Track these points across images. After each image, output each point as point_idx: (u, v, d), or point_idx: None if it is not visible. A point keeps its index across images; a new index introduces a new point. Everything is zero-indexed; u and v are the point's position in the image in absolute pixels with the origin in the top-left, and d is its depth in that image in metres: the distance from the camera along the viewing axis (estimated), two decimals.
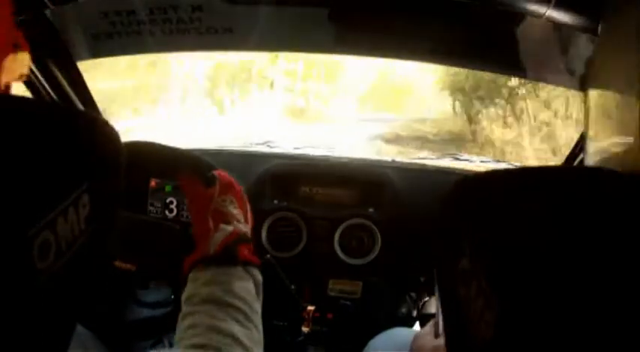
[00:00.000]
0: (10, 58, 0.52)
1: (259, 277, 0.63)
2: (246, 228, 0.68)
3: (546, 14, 0.71)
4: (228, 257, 0.61)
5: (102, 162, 0.36)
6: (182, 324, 0.56)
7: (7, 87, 0.53)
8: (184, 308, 0.58)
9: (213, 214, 0.67)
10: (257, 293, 0.62)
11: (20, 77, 0.56)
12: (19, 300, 0.27)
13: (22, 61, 0.55)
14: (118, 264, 0.90)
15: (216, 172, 0.73)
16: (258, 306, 0.60)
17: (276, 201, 1.19)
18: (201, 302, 0.57)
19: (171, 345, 1.06)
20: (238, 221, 0.67)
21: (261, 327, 0.58)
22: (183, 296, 0.60)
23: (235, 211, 0.68)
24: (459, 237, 0.39)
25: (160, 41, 1.02)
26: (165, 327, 1.06)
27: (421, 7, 0.92)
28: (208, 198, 0.69)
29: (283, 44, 1.25)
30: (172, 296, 1.12)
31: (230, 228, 0.65)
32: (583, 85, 0.91)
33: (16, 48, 0.53)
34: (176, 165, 0.91)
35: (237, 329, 0.54)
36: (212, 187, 0.70)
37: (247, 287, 0.60)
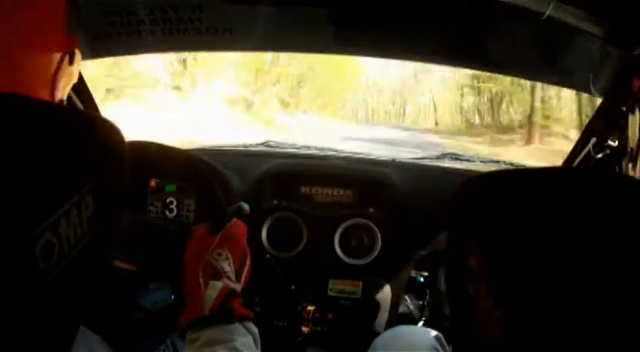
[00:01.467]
0: (67, 70, 0.51)
1: (255, 330, 0.64)
2: (234, 285, 0.67)
3: (547, 14, 0.71)
4: (225, 316, 0.62)
5: (106, 163, 0.36)
6: None
7: (62, 102, 0.52)
8: None
9: (204, 266, 0.67)
10: (256, 346, 0.63)
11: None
12: (22, 301, 0.27)
13: (73, 76, 0.54)
14: (117, 264, 0.90)
15: (234, 221, 0.73)
16: None
17: (276, 201, 1.19)
18: None
19: (173, 345, 1.06)
20: (228, 278, 0.67)
21: None
22: None
23: (228, 268, 0.68)
24: (467, 236, 0.39)
25: (160, 41, 1.02)
26: (166, 327, 1.05)
27: (421, 7, 0.92)
28: (205, 247, 0.69)
29: (283, 44, 1.25)
30: (172, 297, 1.12)
31: (220, 284, 0.65)
32: (584, 86, 0.91)
33: (71, 56, 0.52)
34: (185, 176, 0.92)
35: None
36: (214, 236, 0.70)
37: (248, 343, 0.61)
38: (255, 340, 0.63)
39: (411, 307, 1.24)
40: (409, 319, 1.25)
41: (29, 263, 0.27)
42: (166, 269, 0.96)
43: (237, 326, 0.62)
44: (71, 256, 0.30)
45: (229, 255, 0.69)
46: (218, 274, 0.66)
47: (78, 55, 0.54)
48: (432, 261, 1.22)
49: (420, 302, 1.29)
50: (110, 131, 0.37)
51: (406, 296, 1.26)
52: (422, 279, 1.28)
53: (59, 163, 0.30)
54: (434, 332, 0.91)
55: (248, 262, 0.73)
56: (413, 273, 1.26)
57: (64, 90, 0.54)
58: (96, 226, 0.33)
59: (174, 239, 0.95)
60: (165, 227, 0.99)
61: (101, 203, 0.33)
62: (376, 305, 1.18)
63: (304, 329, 1.15)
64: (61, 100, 0.53)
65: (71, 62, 0.54)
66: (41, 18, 0.49)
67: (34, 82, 0.50)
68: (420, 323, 1.25)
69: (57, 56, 0.52)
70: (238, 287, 0.68)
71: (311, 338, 1.16)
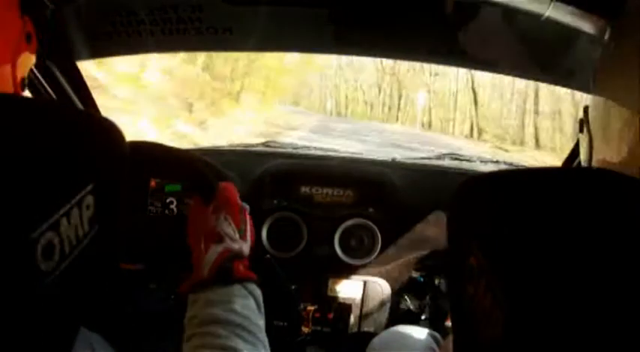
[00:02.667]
0: (24, 51, 0.53)
1: (258, 292, 0.63)
2: (239, 244, 0.67)
3: (546, 14, 0.71)
4: (223, 277, 0.61)
5: (107, 163, 0.36)
6: (187, 346, 0.57)
7: (23, 81, 0.54)
8: (188, 330, 0.58)
9: (205, 234, 0.67)
10: (258, 308, 0.62)
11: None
12: (23, 302, 0.27)
13: (31, 56, 0.56)
14: (123, 265, 0.90)
15: (221, 185, 0.72)
16: (261, 322, 0.60)
17: (276, 201, 1.19)
18: (204, 324, 0.57)
19: (175, 345, 1.06)
20: (231, 239, 0.67)
21: (267, 343, 0.58)
22: (186, 319, 0.60)
23: (228, 229, 0.68)
24: (467, 236, 0.39)
25: (160, 41, 1.02)
26: (168, 328, 1.06)
27: (421, 7, 0.92)
28: (203, 219, 0.69)
29: (283, 44, 1.25)
30: (172, 296, 1.12)
31: (220, 247, 0.65)
32: (584, 86, 0.91)
33: (28, 42, 0.53)
34: (181, 173, 0.92)
35: (242, 346, 0.54)
36: (208, 205, 0.70)
37: (248, 304, 0.60)
38: (257, 302, 0.62)
39: (412, 307, 1.24)
40: (409, 319, 1.25)
41: (30, 263, 0.27)
42: (170, 267, 0.96)
43: (237, 287, 0.61)
44: (72, 256, 0.30)
45: (227, 217, 0.69)
46: (220, 238, 0.66)
47: (34, 35, 0.55)
48: (432, 261, 1.23)
49: (420, 302, 1.29)
50: (111, 131, 0.37)
51: (406, 296, 1.26)
52: (422, 279, 1.28)
53: (60, 163, 0.30)
54: (430, 332, 0.92)
55: (248, 219, 0.73)
56: (413, 273, 1.26)
57: (24, 70, 0.55)
58: (97, 226, 0.33)
59: (176, 235, 0.95)
60: (165, 216, 0.99)
61: (102, 203, 0.33)
62: (376, 305, 1.18)
63: (304, 329, 1.15)
64: (22, 79, 0.54)
65: (29, 41, 0.55)
66: None
67: None
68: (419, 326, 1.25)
69: (13, 36, 0.52)
70: (244, 245, 0.68)
71: (311, 338, 1.16)
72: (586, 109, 0.53)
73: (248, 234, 0.71)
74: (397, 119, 20.83)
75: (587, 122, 0.50)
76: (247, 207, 0.87)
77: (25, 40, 0.54)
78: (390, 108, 21.28)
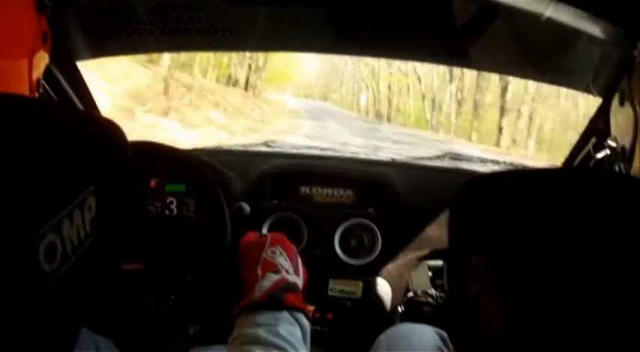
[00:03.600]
0: (41, 52, 0.53)
1: (306, 324, 0.64)
2: (294, 278, 0.69)
3: (546, 14, 0.71)
4: (273, 302, 0.63)
5: (109, 164, 0.36)
6: None
7: (38, 82, 0.54)
8: (229, 349, 0.59)
9: (263, 262, 0.69)
10: (304, 339, 0.62)
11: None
12: (25, 302, 0.27)
13: (46, 55, 0.56)
14: (124, 266, 0.90)
15: (272, 234, 0.76)
16: (303, 350, 0.61)
17: (276, 201, 1.19)
18: (246, 343, 0.57)
19: (176, 346, 1.06)
20: (287, 271, 0.69)
21: None
22: (230, 338, 0.61)
23: (285, 263, 0.70)
24: (468, 236, 0.39)
25: (160, 41, 1.02)
26: (167, 329, 1.05)
27: (421, 7, 0.92)
28: (259, 248, 0.72)
29: (283, 44, 1.25)
30: (172, 297, 1.12)
31: (277, 276, 0.67)
32: (585, 86, 0.91)
33: (44, 41, 0.53)
34: (182, 173, 0.93)
35: None
36: (264, 237, 0.74)
37: (293, 331, 0.61)
38: (303, 332, 0.63)
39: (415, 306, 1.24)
40: (412, 318, 1.25)
41: (32, 264, 0.27)
42: (171, 268, 0.96)
43: (285, 314, 0.62)
44: (74, 257, 0.30)
45: (283, 251, 0.72)
46: (277, 269, 0.68)
47: (49, 34, 0.55)
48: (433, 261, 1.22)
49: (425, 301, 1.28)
50: (112, 131, 0.37)
51: (409, 294, 1.26)
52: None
53: (61, 164, 0.30)
54: (438, 331, 0.91)
55: (299, 259, 0.76)
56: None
57: (39, 70, 0.55)
58: (99, 227, 0.33)
59: (176, 235, 0.95)
60: (166, 224, 0.99)
61: (104, 204, 0.33)
62: (376, 305, 1.18)
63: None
64: (38, 79, 0.54)
65: (45, 41, 0.55)
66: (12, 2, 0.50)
67: (10, 62, 0.51)
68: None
69: (31, 37, 0.52)
70: (298, 280, 0.70)
71: (311, 338, 1.16)
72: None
73: (301, 271, 0.74)
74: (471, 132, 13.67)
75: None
76: (247, 207, 0.87)
77: (41, 40, 0.54)
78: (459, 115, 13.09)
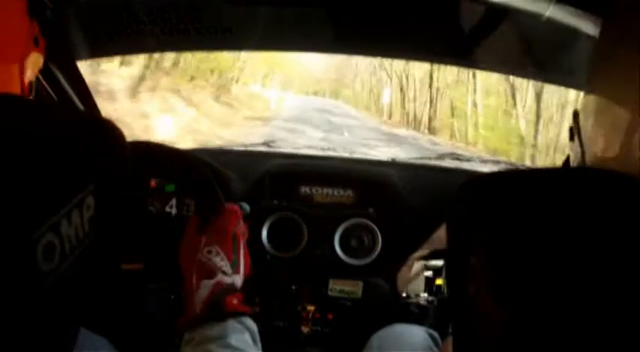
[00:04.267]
0: (33, 55, 0.53)
1: (253, 326, 0.63)
2: (232, 278, 0.67)
3: (546, 14, 0.71)
4: (215, 313, 0.61)
5: (108, 163, 0.36)
6: None
7: (30, 85, 0.54)
8: None
9: (197, 267, 0.67)
10: (254, 342, 0.62)
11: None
12: (23, 302, 0.27)
13: (39, 58, 0.56)
14: (124, 266, 0.90)
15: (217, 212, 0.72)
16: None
17: (276, 201, 1.19)
18: None
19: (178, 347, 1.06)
20: (223, 272, 0.66)
21: None
22: None
23: (221, 263, 0.67)
24: (468, 236, 0.39)
25: (160, 41, 1.02)
26: (168, 329, 1.06)
27: (421, 7, 0.92)
28: (195, 249, 0.68)
29: (283, 44, 1.25)
30: (172, 297, 1.12)
31: (212, 282, 0.64)
32: (585, 86, 0.91)
33: (36, 44, 0.54)
34: (182, 173, 0.92)
35: None
36: (202, 233, 0.70)
37: (243, 339, 0.60)
38: (252, 336, 0.62)
39: (414, 307, 1.24)
40: (410, 319, 1.25)
41: (31, 264, 0.27)
42: (171, 268, 0.96)
43: (231, 322, 0.61)
44: (73, 257, 0.30)
45: (219, 250, 0.68)
46: (211, 272, 0.66)
47: (41, 38, 0.55)
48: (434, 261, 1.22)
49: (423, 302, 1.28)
50: (111, 131, 0.37)
51: (407, 295, 1.26)
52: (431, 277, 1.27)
53: (60, 164, 0.30)
54: (428, 331, 0.91)
55: (242, 248, 0.72)
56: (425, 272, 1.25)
57: (31, 73, 0.55)
58: (97, 227, 0.33)
59: (176, 235, 0.95)
60: (166, 224, 0.99)
61: (103, 203, 0.33)
62: (376, 306, 1.18)
63: (304, 329, 1.15)
64: (30, 83, 0.54)
65: (37, 44, 0.55)
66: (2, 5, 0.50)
67: (2, 65, 0.51)
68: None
69: (21, 39, 0.52)
70: (237, 278, 0.67)
71: (311, 338, 1.16)
72: (576, 115, 0.52)
73: (242, 265, 0.70)
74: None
75: (578, 129, 0.50)
76: (248, 206, 0.87)
77: (32, 43, 0.54)
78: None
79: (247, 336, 0.61)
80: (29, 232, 0.26)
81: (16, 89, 0.54)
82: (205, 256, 0.67)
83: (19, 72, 0.53)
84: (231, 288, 0.65)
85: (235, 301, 0.64)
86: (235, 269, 0.68)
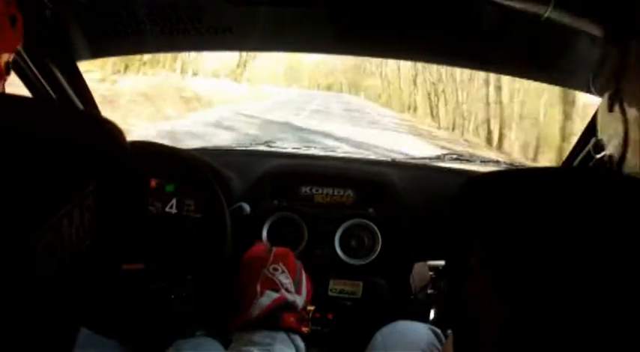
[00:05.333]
0: (8, 32, 0.53)
1: (301, 345, 0.65)
2: (294, 297, 0.69)
3: (546, 15, 0.71)
4: (270, 321, 0.63)
5: (108, 163, 0.36)
6: None
7: (7, 65, 0.54)
8: None
9: (262, 279, 0.69)
10: None
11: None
12: (23, 302, 0.27)
13: (17, 35, 0.55)
14: (125, 266, 0.90)
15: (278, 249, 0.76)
16: None
17: (276, 202, 1.19)
18: None
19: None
20: (287, 290, 0.69)
21: None
22: None
23: (286, 281, 0.71)
24: (468, 236, 0.39)
25: (160, 41, 1.02)
26: (171, 327, 1.06)
27: (421, 7, 0.92)
28: (261, 263, 0.72)
29: (283, 44, 1.25)
30: (172, 296, 1.12)
31: (276, 294, 0.67)
32: (584, 86, 0.91)
33: (12, 22, 0.53)
34: (182, 173, 0.92)
35: None
36: (268, 252, 0.74)
37: (286, 351, 0.61)
38: None
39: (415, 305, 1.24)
40: (412, 318, 1.25)
41: (30, 263, 0.27)
42: (171, 268, 0.96)
43: (282, 334, 0.63)
44: (73, 257, 0.30)
45: (285, 269, 0.72)
46: (277, 286, 0.68)
47: (19, 17, 0.55)
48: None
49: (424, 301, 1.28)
50: (112, 131, 0.37)
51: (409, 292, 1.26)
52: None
53: (61, 164, 0.30)
54: (431, 328, 0.91)
55: (304, 276, 0.76)
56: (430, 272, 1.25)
57: (9, 53, 0.55)
58: (98, 227, 0.33)
59: (176, 235, 0.95)
60: (166, 224, 0.99)
61: (103, 203, 0.33)
62: (376, 306, 1.18)
63: (304, 329, 1.15)
64: (7, 63, 0.53)
65: (13, 24, 0.55)
66: None
67: None
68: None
69: None
70: (299, 299, 0.70)
71: (311, 338, 1.16)
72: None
73: (304, 289, 0.74)
74: None
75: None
76: (248, 207, 0.87)
77: (8, 22, 0.53)
78: None
79: (292, 351, 0.63)
80: (29, 232, 0.26)
81: None
82: (271, 272, 0.71)
83: None
84: (291, 306, 0.67)
85: (292, 319, 0.66)
86: (298, 290, 0.72)
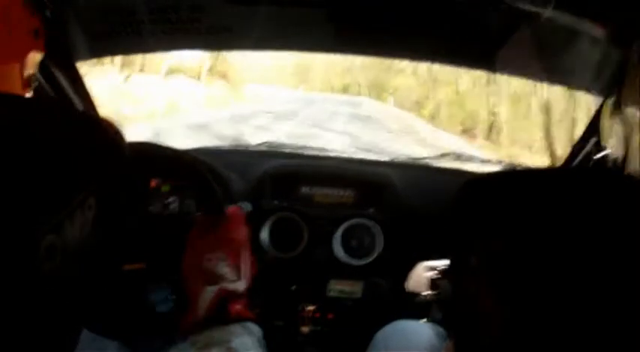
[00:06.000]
0: (33, 48, 0.53)
1: (255, 329, 0.65)
2: (235, 284, 0.68)
3: (546, 15, 0.71)
4: (219, 317, 0.63)
5: (108, 164, 0.36)
6: None
7: (30, 78, 0.54)
8: None
9: (201, 273, 0.68)
10: (258, 344, 0.63)
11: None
12: (26, 302, 0.27)
13: (39, 51, 0.56)
14: (125, 266, 0.90)
15: (226, 212, 0.74)
16: None
17: (276, 202, 1.19)
18: None
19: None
20: (227, 279, 0.68)
21: None
22: None
23: (225, 269, 0.69)
24: (470, 235, 0.39)
25: (160, 41, 1.02)
26: (168, 329, 1.06)
27: (421, 7, 0.92)
28: (199, 255, 0.70)
29: (283, 44, 1.25)
30: (173, 296, 1.12)
31: (215, 288, 0.66)
32: (584, 86, 0.91)
33: (36, 37, 0.54)
34: (182, 173, 0.92)
35: None
36: (207, 238, 0.71)
37: (246, 343, 0.61)
38: (257, 340, 0.63)
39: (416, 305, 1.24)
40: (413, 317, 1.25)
41: (33, 264, 0.27)
42: (170, 266, 0.96)
43: (235, 326, 0.62)
44: (75, 257, 0.30)
45: (224, 256, 0.70)
46: (215, 278, 0.67)
47: (42, 30, 0.55)
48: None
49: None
50: (111, 132, 0.37)
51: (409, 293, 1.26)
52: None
53: (62, 165, 0.30)
54: (434, 328, 0.91)
55: (247, 256, 0.73)
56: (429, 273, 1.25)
57: (31, 67, 0.55)
58: (99, 227, 0.33)
59: (176, 235, 0.95)
60: (166, 224, 0.99)
61: (104, 204, 0.33)
62: (376, 306, 1.18)
63: (304, 329, 1.15)
64: (30, 76, 0.54)
65: (37, 37, 0.55)
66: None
67: (3, 59, 0.51)
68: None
69: (22, 32, 0.52)
70: (241, 285, 0.69)
71: (311, 338, 1.16)
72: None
73: (245, 271, 0.72)
74: None
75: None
76: (249, 206, 0.87)
77: (33, 37, 0.54)
78: None
79: (251, 340, 0.62)
80: (31, 233, 0.27)
81: (16, 82, 0.54)
82: (209, 262, 0.69)
83: (19, 69, 0.53)
84: (234, 294, 0.67)
85: (239, 306, 0.65)
86: (239, 275, 0.70)
